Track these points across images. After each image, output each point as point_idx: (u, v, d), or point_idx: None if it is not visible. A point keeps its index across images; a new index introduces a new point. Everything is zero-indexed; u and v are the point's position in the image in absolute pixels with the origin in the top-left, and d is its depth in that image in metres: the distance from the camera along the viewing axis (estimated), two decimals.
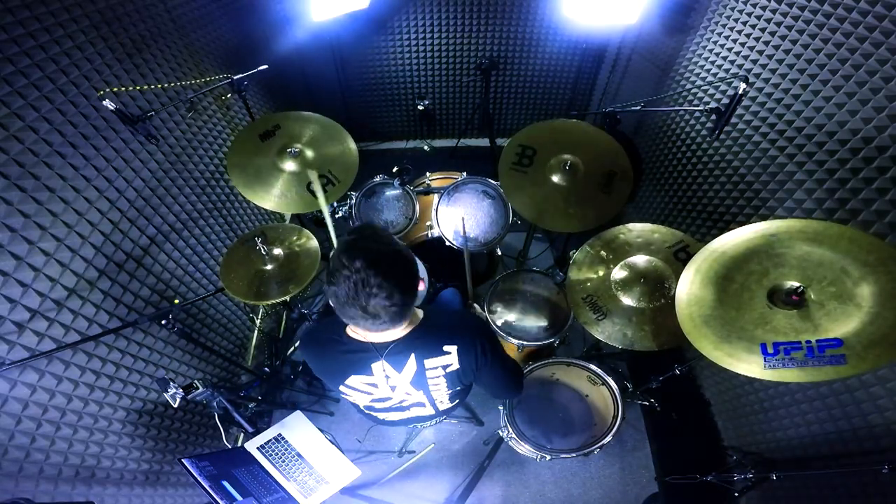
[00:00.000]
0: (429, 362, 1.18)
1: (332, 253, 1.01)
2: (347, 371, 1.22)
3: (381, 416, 1.48)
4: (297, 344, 2.73)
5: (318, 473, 1.60)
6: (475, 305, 1.87)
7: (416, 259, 1.10)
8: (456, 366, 1.19)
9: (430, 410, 1.44)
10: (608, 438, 1.78)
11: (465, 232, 2.12)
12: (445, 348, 1.16)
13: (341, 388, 1.27)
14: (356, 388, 1.26)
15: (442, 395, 1.33)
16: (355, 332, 1.15)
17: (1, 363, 1.24)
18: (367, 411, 1.46)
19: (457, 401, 1.51)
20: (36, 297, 1.34)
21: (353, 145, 2.07)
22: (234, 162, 1.98)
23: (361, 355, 1.17)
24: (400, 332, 1.13)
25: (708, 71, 2.24)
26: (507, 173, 2.04)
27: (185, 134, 2.14)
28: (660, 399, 2.36)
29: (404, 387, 1.24)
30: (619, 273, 1.81)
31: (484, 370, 1.24)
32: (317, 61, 3.30)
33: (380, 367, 1.18)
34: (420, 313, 1.20)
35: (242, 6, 2.70)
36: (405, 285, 1.00)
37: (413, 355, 1.16)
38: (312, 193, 1.94)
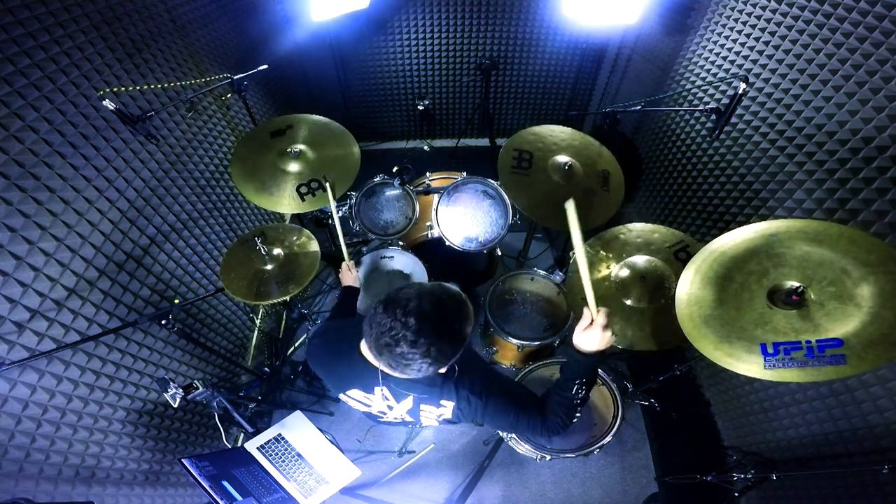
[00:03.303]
0: (425, 406, 1.22)
1: (392, 295, 0.98)
2: (351, 384, 1.25)
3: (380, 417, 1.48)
4: (297, 343, 2.73)
5: (318, 473, 1.60)
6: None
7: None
8: (449, 415, 1.24)
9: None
10: (608, 438, 1.78)
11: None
12: (442, 402, 1.20)
13: (341, 395, 1.30)
14: (356, 399, 1.29)
15: (433, 424, 1.37)
16: (369, 353, 1.13)
17: (1, 363, 1.24)
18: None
19: None
20: (36, 297, 1.34)
21: (356, 149, 2.08)
22: (238, 155, 2.02)
23: (368, 374, 1.17)
24: None
25: (708, 71, 2.24)
26: (508, 177, 2.04)
27: (185, 134, 2.14)
28: (660, 399, 2.36)
29: (400, 413, 1.27)
30: (619, 273, 1.81)
31: (485, 418, 1.23)
32: (317, 61, 3.30)
33: (381, 391, 1.21)
34: None
35: (242, 6, 2.70)
36: (438, 366, 0.99)
37: (412, 396, 1.20)
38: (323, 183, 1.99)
